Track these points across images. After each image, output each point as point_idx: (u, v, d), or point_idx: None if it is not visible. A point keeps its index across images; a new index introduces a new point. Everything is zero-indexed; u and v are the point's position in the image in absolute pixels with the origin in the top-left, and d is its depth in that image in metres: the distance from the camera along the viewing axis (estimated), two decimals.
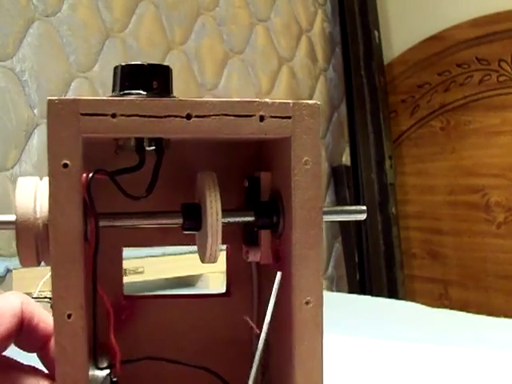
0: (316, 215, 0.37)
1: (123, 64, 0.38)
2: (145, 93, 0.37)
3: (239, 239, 0.43)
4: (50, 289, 0.35)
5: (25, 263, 0.36)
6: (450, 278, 1.82)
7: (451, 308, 1.46)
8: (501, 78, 1.70)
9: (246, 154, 0.44)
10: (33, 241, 0.35)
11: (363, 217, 0.41)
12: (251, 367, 0.33)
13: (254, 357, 0.38)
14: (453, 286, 1.82)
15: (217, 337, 0.44)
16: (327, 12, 1.97)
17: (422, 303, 1.28)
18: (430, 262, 1.87)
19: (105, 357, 0.38)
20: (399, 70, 1.93)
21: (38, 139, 1.29)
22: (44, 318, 0.40)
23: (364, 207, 0.41)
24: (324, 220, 0.38)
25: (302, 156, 0.37)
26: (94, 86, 1.39)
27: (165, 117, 0.35)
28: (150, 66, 0.38)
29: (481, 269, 1.75)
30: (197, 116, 0.35)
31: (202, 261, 0.39)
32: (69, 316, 0.34)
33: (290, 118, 0.37)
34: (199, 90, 1.61)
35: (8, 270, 1.02)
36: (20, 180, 0.37)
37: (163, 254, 1.18)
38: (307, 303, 0.37)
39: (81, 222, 0.34)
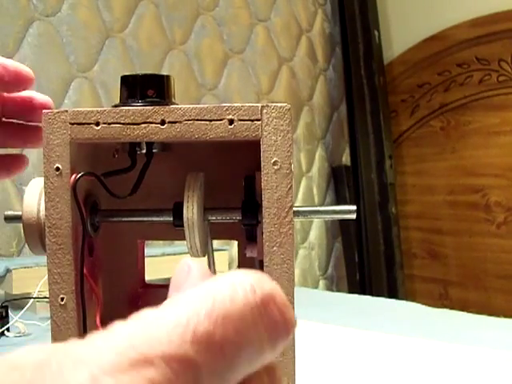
0: (286, 214, 0.38)
1: (123, 75, 0.41)
2: (140, 101, 0.40)
3: None
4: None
5: (34, 251, 0.42)
6: (450, 278, 1.82)
7: (451, 308, 1.45)
8: (501, 78, 1.70)
9: (248, 155, 0.45)
10: (36, 232, 0.41)
11: (353, 216, 0.42)
12: None
13: None
14: (453, 286, 1.82)
15: None
16: (327, 12, 1.97)
17: (422, 303, 1.27)
18: (430, 261, 1.87)
19: None
20: (399, 70, 1.93)
21: None
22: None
23: (354, 207, 0.41)
24: (314, 219, 0.40)
25: (271, 157, 0.38)
26: (94, 86, 1.39)
27: (141, 123, 0.38)
28: (144, 76, 0.41)
29: (481, 269, 1.75)
30: (170, 122, 0.38)
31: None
32: (62, 299, 0.39)
33: (259, 120, 0.38)
34: (199, 90, 1.61)
35: (8, 270, 1.02)
36: (32, 180, 0.42)
37: (163, 254, 1.17)
38: None
39: (70, 217, 0.39)
